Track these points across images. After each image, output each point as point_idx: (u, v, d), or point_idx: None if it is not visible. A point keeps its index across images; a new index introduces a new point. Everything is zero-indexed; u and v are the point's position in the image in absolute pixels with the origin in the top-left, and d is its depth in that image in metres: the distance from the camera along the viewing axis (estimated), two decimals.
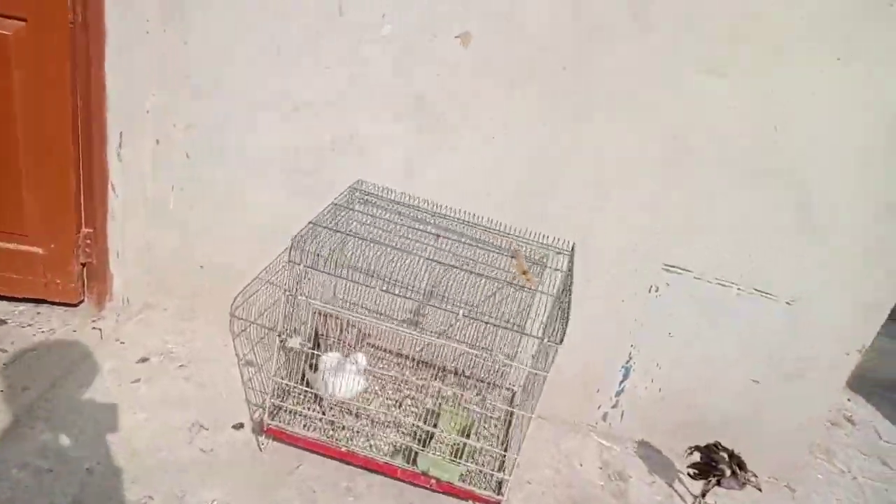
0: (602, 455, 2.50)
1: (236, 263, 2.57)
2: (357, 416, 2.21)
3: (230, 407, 2.28)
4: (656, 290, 2.34)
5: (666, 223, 2.24)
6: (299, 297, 1.86)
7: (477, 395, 2.34)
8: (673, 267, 2.30)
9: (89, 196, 2.38)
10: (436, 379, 2.51)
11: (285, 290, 1.84)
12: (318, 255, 1.86)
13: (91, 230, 2.43)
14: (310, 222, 1.91)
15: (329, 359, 2.09)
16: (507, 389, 2.55)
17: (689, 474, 2.31)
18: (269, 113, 2.33)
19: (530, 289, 1.88)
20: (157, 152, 2.46)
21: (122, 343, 2.48)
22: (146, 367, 2.39)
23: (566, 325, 1.73)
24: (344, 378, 2.04)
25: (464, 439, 2.03)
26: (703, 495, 2.29)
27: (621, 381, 2.53)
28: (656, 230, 2.26)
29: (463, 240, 2.26)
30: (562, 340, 1.72)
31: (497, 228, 2.27)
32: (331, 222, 2.04)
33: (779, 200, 2.15)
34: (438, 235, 2.18)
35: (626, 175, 2.20)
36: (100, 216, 2.41)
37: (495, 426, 2.34)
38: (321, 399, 2.19)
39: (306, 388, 2.17)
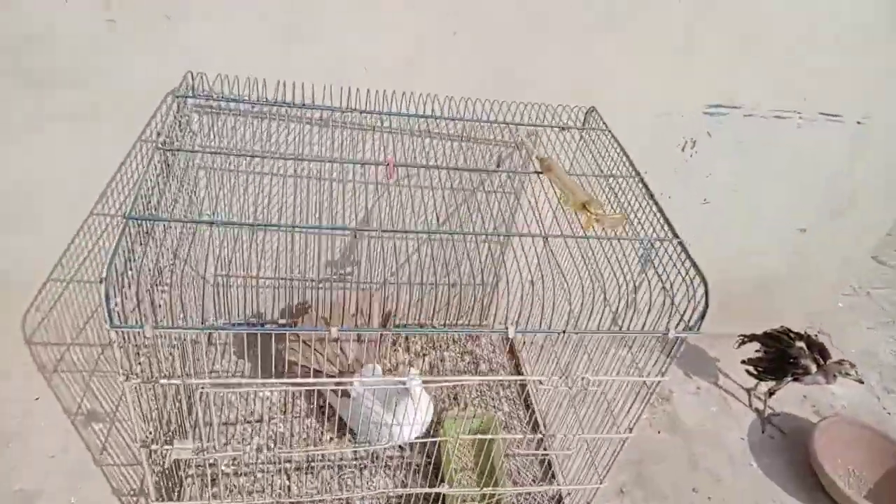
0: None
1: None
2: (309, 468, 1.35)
3: None
4: (692, 146, 1.58)
5: (704, 51, 1.42)
6: (161, 382, 0.87)
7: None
8: (717, 107, 1.51)
9: None
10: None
11: (126, 375, 0.85)
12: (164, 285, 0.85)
13: None
14: (124, 216, 0.86)
15: (361, 391, 1.27)
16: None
17: (749, 373, 1.76)
18: None
19: (618, 237, 1.04)
20: None
21: None
22: None
23: (705, 302, 0.95)
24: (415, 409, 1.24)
25: (493, 491, 1.27)
26: (772, 394, 1.78)
27: (638, 273, 1.84)
28: (692, 63, 1.43)
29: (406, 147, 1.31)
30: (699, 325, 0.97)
31: (445, 114, 1.33)
32: (164, 192, 0.99)
33: None
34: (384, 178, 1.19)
35: None
36: None
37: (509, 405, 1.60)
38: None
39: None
